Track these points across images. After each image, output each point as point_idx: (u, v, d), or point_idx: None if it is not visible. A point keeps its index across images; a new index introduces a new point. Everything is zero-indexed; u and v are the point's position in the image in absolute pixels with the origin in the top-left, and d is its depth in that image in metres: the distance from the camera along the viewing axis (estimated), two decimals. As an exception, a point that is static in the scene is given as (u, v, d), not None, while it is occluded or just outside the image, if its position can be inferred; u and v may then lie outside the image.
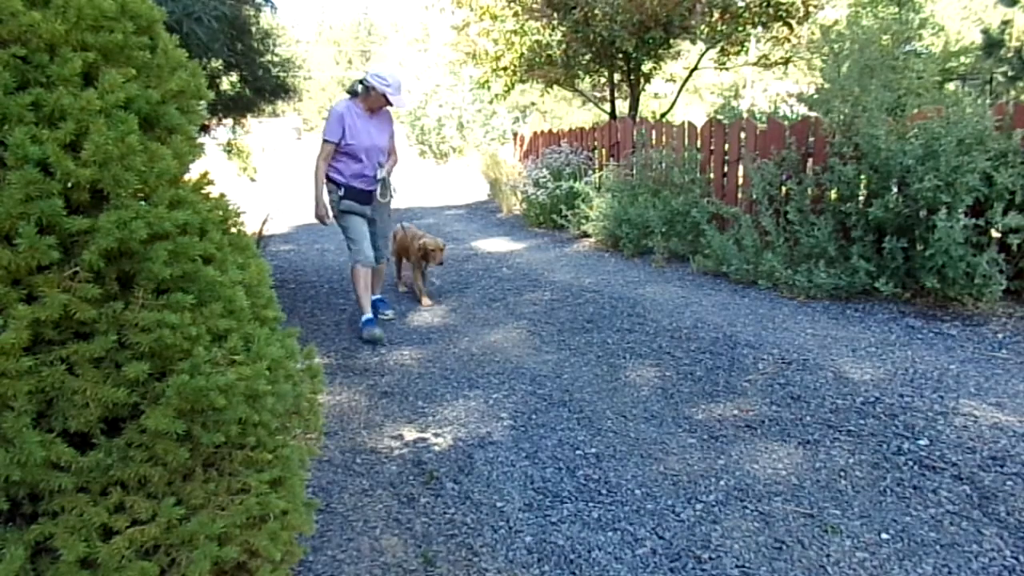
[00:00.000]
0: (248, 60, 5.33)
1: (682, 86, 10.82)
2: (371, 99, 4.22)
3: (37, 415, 1.06)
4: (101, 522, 1.10)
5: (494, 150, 14.12)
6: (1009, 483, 2.28)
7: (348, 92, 4.36)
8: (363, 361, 3.84)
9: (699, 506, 2.28)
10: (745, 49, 9.67)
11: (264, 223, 6.24)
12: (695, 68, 10.25)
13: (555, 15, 8.42)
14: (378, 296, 4.80)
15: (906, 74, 4.86)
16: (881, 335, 3.77)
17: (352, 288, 4.54)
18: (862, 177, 4.53)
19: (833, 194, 4.75)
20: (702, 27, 8.32)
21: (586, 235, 7.21)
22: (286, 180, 15.59)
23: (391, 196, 4.48)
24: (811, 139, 5.07)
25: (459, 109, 19.99)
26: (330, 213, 4.27)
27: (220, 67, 5.18)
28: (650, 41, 8.15)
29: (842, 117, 4.66)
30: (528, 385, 3.38)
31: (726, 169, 6.01)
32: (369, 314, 4.36)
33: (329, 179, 4.30)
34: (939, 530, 2.08)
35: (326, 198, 4.26)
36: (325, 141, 4.19)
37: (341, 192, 4.24)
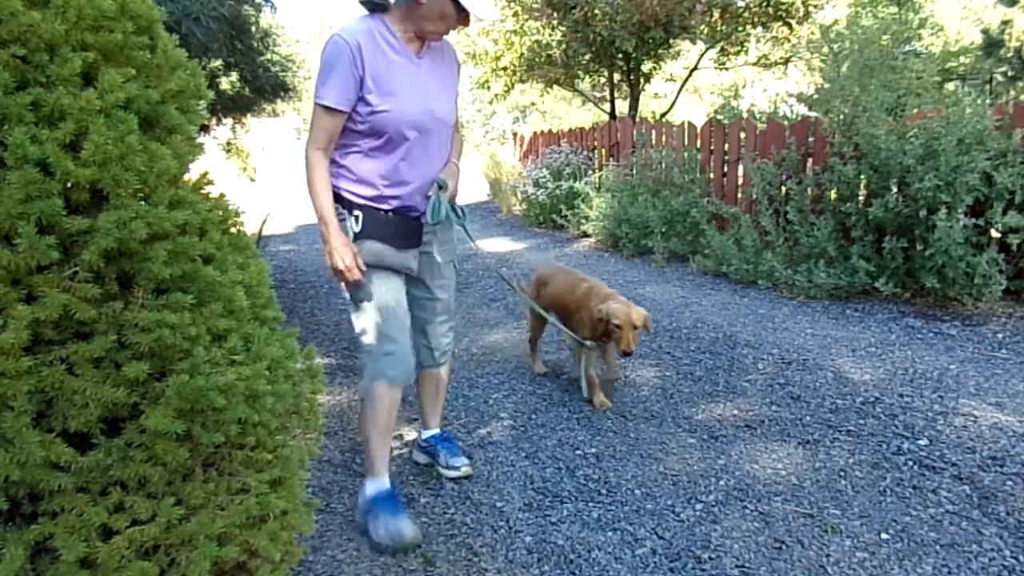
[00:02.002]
0: (248, 59, 5.33)
1: (682, 86, 10.82)
2: (420, 10, 1.97)
3: (37, 415, 1.06)
4: (101, 522, 1.10)
5: (494, 150, 14.13)
6: (1009, 483, 2.28)
7: (365, 4, 2.06)
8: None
9: (699, 506, 2.28)
10: (745, 49, 9.67)
11: (264, 223, 6.23)
12: (695, 68, 10.25)
13: (555, 15, 8.42)
14: (433, 431, 2.59)
15: (906, 74, 4.87)
16: (881, 335, 3.77)
17: (364, 440, 2.24)
18: (862, 177, 4.54)
19: (833, 194, 4.76)
20: (702, 27, 8.32)
21: (586, 235, 7.21)
22: (286, 180, 15.59)
23: (460, 217, 2.30)
24: (811, 139, 5.07)
25: (459, 109, 20.01)
26: (346, 260, 2.01)
27: (220, 67, 5.18)
28: (650, 41, 8.15)
29: (842, 117, 4.66)
30: (528, 385, 3.38)
31: (726, 169, 6.02)
32: (385, 482, 2.20)
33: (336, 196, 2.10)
34: (939, 530, 2.08)
35: (335, 225, 2.04)
36: (322, 110, 1.98)
37: (356, 224, 2.09)
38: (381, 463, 2.20)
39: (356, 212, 2.08)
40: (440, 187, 2.19)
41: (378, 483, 2.19)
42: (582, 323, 3.05)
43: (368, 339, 2.14)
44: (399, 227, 2.14)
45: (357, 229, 2.09)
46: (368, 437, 2.20)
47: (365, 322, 2.13)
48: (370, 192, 2.09)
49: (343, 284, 2.13)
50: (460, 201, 2.35)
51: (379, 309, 2.13)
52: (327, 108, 1.98)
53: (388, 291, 2.15)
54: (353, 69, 1.95)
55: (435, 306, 2.36)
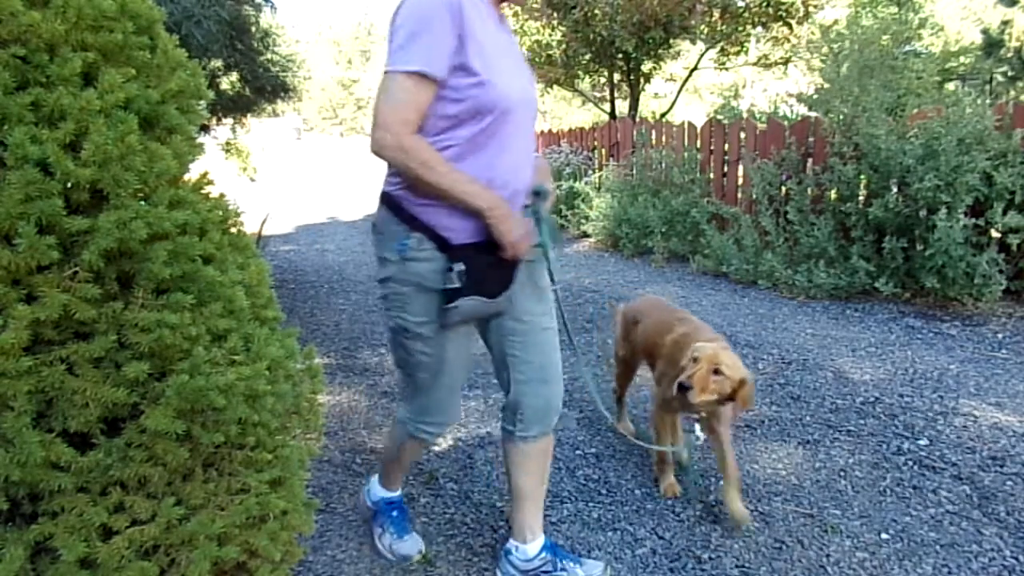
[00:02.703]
0: (248, 60, 5.33)
1: (682, 86, 10.82)
2: None
3: (37, 415, 1.06)
4: (101, 522, 1.10)
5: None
6: (1009, 483, 2.28)
7: None
8: (363, 361, 3.84)
9: (699, 506, 2.28)
10: (745, 49, 9.68)
11: (264, 223, 6.24)
12: (695, 68, 10.25)
13: (555, 15, 8.43)
14: (535, 542, 1.89)
15: (906, 74, 4.87)
16: (881, 335, 3.77)
17: (386, 455, 2.06)
18: (862, 177, 4.54)
19: (833, 194, 4.76)
20: (702, 27, 8.33)
21: (586, 235, 7.21)
22: (286, 180, 15.60)
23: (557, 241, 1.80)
24: (811, 139, 5.07)
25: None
26: (511, 234, 1.56)
27: (220, 67, 5.18)
28: (650, 41, 8.16)
29: (842, 117, 4.66)
30: (528, 385, 3.38)
31: (726, 169, 6.02)
32: (397, 492, 2.10)
33: (399, 209, 1.60)
34: (939, 530, 2.08)
35: (492, 194, 1.56)
36: (413, 80, 1.48)
37: (456, 277, 1.55)
38: (396, 478, 2.08)
39: (451, 245, 1.57)
40: (538, 195, 1.72)
41: (390, 490, 2.08)
42: (668, 383, 2.20)
43: (417, 399, 1.80)
44: (498, 261, 1.59)
45: (457, 283, 1.55)
46: (389, 465, 2.04)
47: (419, 382, 1.75)
48: (448, 207, 1.56)
49: (400, 337, 1.67)
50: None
51: (441, 375, 1.72)
52: (421, 76, 1.47)
53: (459, 352, 1.72)
54: (453, 29, 1.48)
55: (515, 340, 1.76)
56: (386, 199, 1.63)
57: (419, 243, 1.57)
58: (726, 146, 6.03)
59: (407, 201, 1.58)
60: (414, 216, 1.57)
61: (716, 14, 8.42)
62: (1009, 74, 9.37)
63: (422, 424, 1.83)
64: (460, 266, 1.55)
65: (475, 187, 1.54)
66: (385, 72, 1.51)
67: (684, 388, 2.01)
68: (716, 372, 2.01)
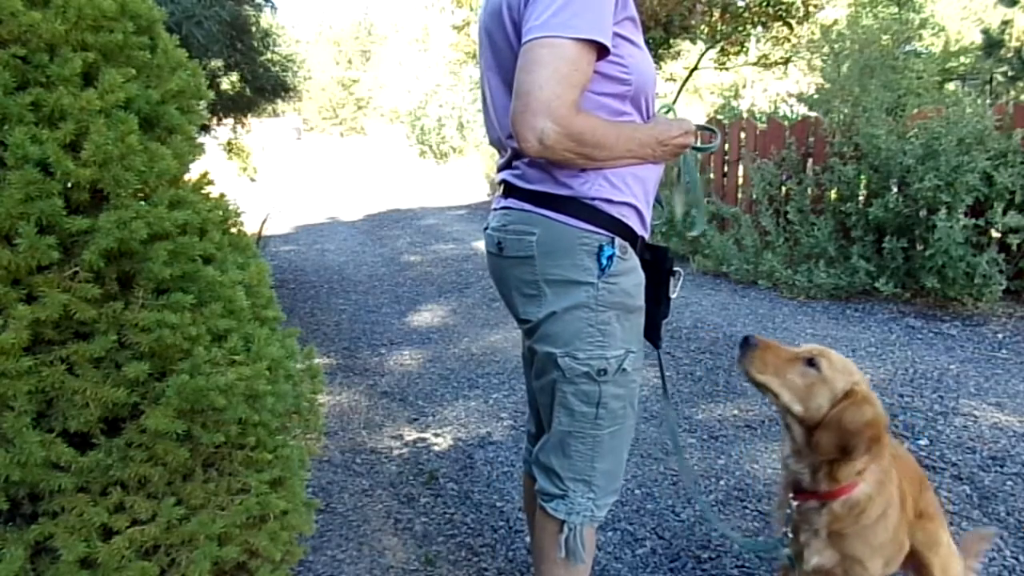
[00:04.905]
0: (248, 59, 5.34)
1: (682, 86, 10.83)
2: None
3: (37, 415, 1.06)
4: (101, 522, 1.10)
5: (495, 150, 14.10)
6: (1009, 483, 2.28)
7: None
8: (363, 361, 3.84)
9: (699, 506, 2.28)
10: (745, 49, 9.69)
11: (264, 223, 6.24)
12: (695, 68, 10.25)
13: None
14: None
15: (906, 74, 4.87)
16: (881, 335, 3.77)
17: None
18: (862, 177, 4.54)
19: (833, 194, 4.76)
20: (702, 27, 8.33)
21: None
22: (286, 180, 15.60)
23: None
24: (811, 139, 5.07)
25: (459, 109, 19.98)
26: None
27: (220, 67, 5.18)
28: (650, 41, 8.16)
29: (842, 117, 4.66)
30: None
31: (726, 169, 6.02)
32: None
33: (596, 213, 1.25)
34: (939, 530, 2.08)
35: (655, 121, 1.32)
36: (587, 49, 1.13)
37: (674, 286, 1.40)
38: None
39: (621, 242, 1.28)
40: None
41: None
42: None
43: (600, 466, 1.37)
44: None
45: (674, 294, 1.39)
46: None
47: (607, 442, 1.36)
48: (642, 203, 1.32)
49: (603, 368, 1.29)
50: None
51: (631, 419, 1.42)
52: (594, 44, 1.14)
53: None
54: None
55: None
56: (564, 203, 1.25)
57: (624, 251, 1.27)
58: (726, 146, 6.03)
59: (604, 202, 1.25)
60: (616, 219, 1.26)
61: (716, 14, 8.43)
62: (1009, 74, 9.37)
63: (610, 498, 1.41)
64: (627, 254, 1.29)
65: (640, 128, 1.27)
66: (537, 39, 1.11)
67: (747, 345, 1.33)
68: (810, 363, 1.27)
